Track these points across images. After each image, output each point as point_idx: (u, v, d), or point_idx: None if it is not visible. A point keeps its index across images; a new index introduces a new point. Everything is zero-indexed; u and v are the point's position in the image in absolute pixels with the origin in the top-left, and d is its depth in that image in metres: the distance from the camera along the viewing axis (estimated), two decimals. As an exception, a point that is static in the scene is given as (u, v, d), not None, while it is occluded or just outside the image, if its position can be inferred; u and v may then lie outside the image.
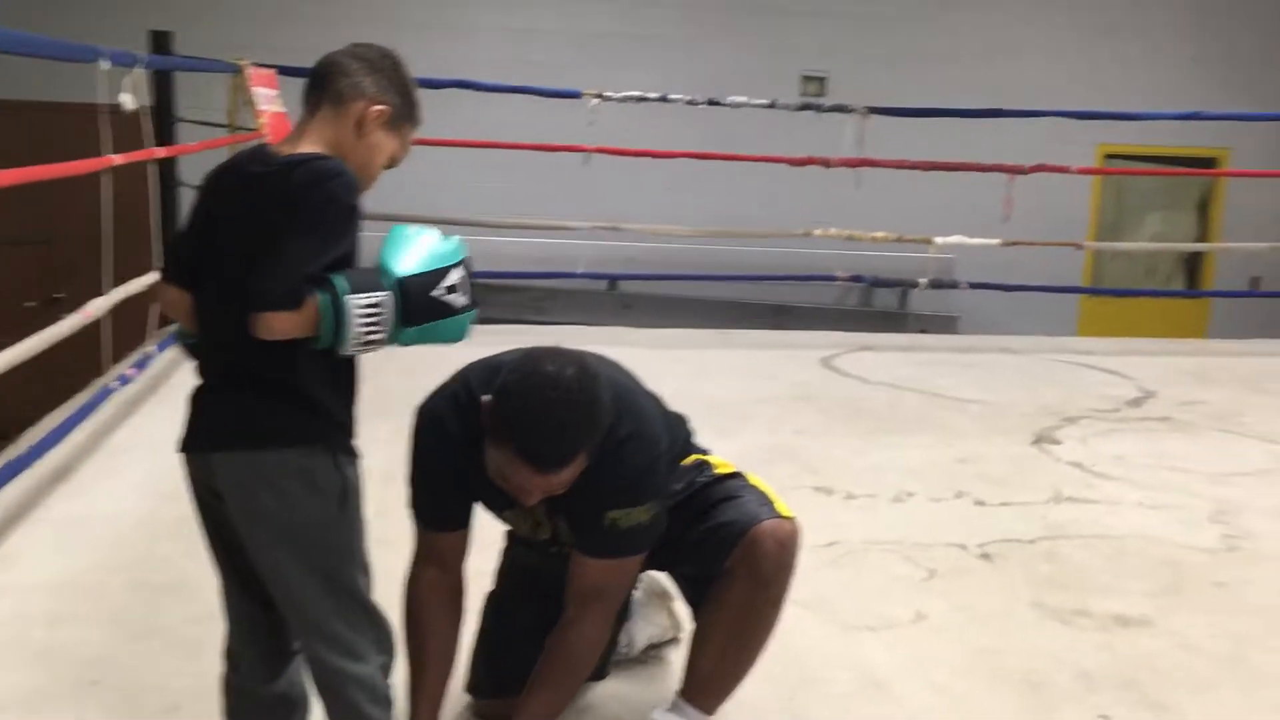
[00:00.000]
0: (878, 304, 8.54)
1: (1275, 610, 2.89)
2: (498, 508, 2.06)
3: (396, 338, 1.59)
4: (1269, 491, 3.80)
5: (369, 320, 1.54)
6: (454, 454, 1.93)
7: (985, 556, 3.16)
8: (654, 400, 2.07)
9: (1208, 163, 8.95)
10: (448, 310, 1.60)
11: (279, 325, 1.51)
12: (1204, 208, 9.39)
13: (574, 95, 6.01)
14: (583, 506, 1.92)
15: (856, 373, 5.41)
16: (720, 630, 2.03)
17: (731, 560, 2.00)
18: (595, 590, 1.95)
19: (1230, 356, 6.17)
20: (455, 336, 1.63)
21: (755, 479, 2.13)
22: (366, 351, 1.60)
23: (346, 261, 1.58)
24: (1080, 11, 8.87)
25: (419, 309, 1.57)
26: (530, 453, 1.77)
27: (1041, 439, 4.35)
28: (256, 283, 1.51)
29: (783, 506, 2.06)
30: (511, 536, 2.25)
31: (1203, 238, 9.24)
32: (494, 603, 2.26)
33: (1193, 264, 9.45)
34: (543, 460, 1.77)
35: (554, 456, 1.78)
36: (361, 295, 1.53)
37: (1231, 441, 4.44)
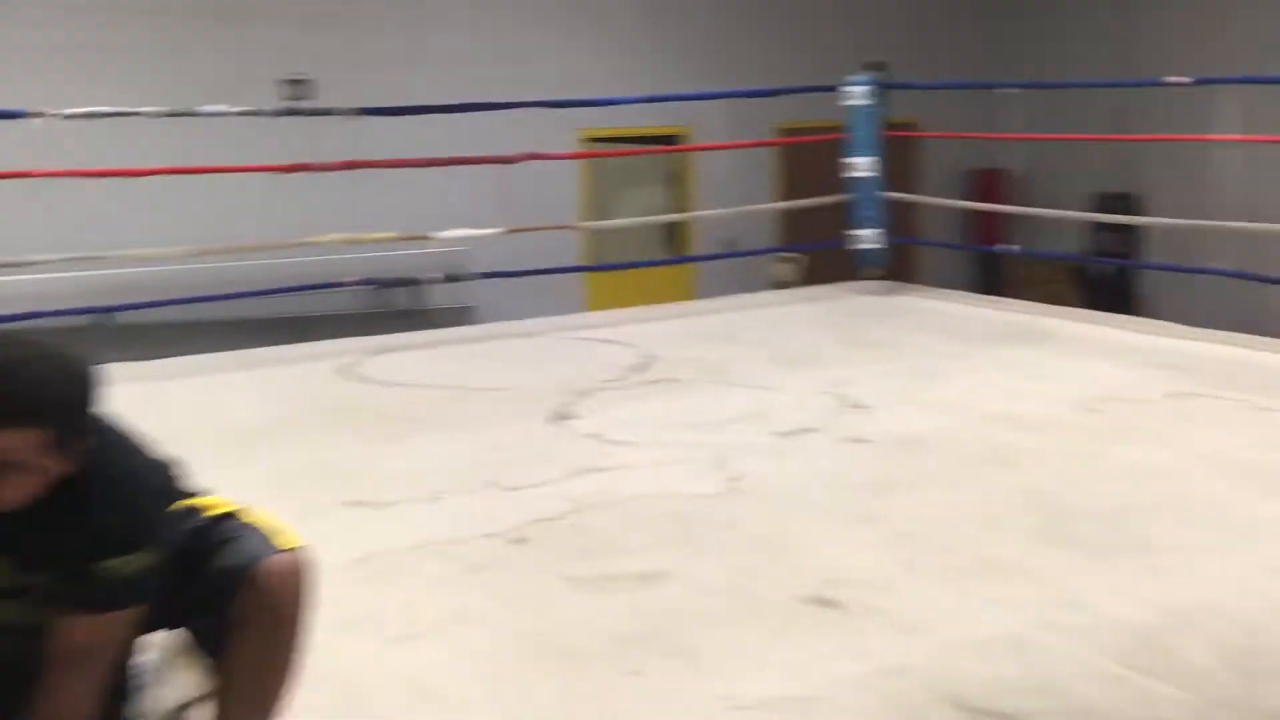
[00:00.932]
0: (394, 304, 8.52)
1: (768, 540, 3.23)
2: None
3: None
4: (756, 432, 4.23)
5: None
6: None
7: (518, 541, 3.25)
8: (142, 443, 1.92)
9: (674, 140, 9.81)
10: None
11: None
12: (676, 180, 10.30)
13: (16, 115, 5.39)
14: (71, 554, 1.75)
15: (378, 377, 5.36)
16: (241, 680, 1.92)
17: (240, 604, 1.89)
18: (84, 650, 1.78)
19: (716, 314, 6.81)
20: None
21: (255, 513, 2.04)
22: None
23: None
24: (547, 9, 9.34)
25: None
26: None
27: (559, 416, 4.55)
28: None
29: (287, 538, 1.98)
30: None
31: (680, 208, 10.14)
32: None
33: (674, 232, 10.35)
34: None
35: (16, 409, 1.60)
36: None
37: (724, 391, 4.89)
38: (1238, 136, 6.09)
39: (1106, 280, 9.84)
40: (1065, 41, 9.41)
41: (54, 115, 5.38)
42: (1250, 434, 4.06)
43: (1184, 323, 5.93)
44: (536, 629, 2.71)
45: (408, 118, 6.55)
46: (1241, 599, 2.75)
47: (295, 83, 8.34)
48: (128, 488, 1.78)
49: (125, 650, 1.92)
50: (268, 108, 6.40)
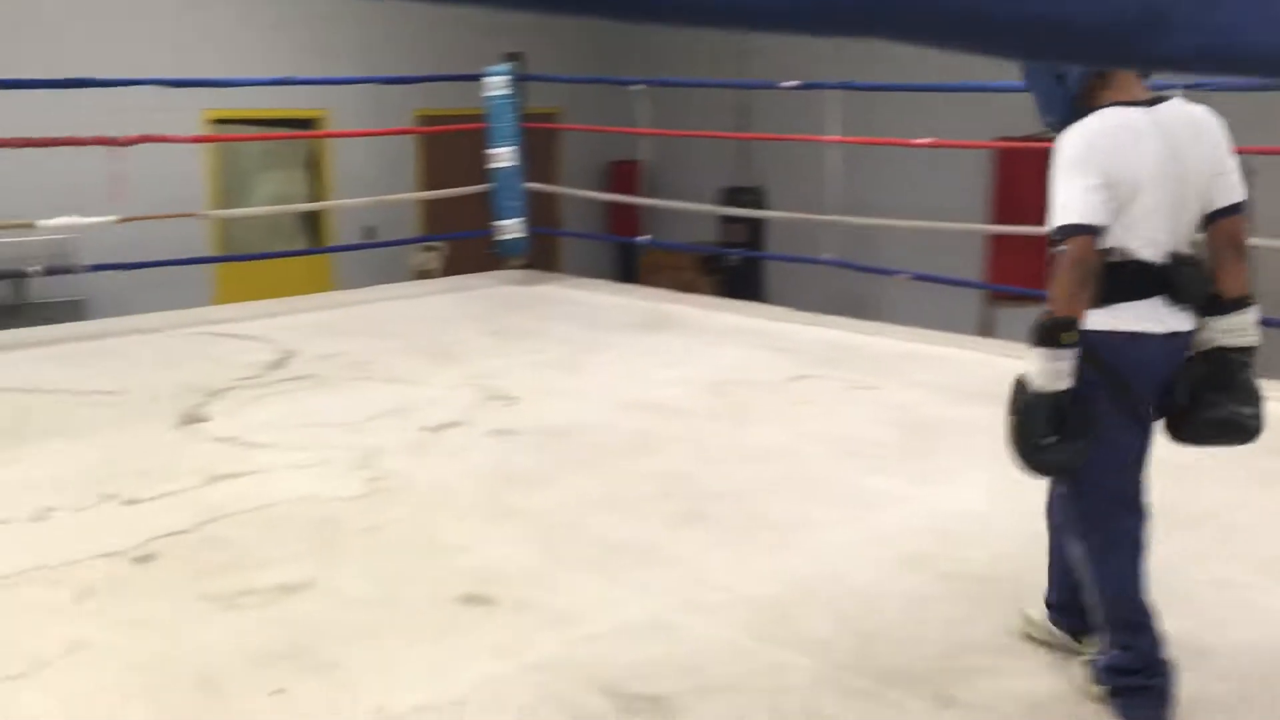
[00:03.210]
0: (-10, 298, 7.63)
1: (414, 542, 3.17)
2: None
3: None
4: (400, 429, 4.14)
5: None
6: None
7: (143, 559, 3.01)
8: None
9: (309, 124, 9.42)
10: None
11: None
12: (313, 166, 9.90)
13: None
14: None
15: (-30, 382, 4.77)
16: None
17: None
18: None
19: (357, 305, 6.61)
20: None
21: None
22: None
23: None
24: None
25: None
26: None
27: (189, 419, 4.25)
28: None
29: None
30: None
31: (317, 195, 9.75)
32: None
33: (312, 221, 9.95)
34: None
35: None
36: None
37: (367, 387, 4.75)
38: (840, 138, 6.66)
39: (734, 269, 10.48)
40: (696, 42, 9.90)
41: None
42: (856, 412, 4.44)
43: (800, 309, 6.40)
44: (165, 655, 2.51)
45: (10, 92, 5.88)
46: (855, 567, 3.00)
47: None
48: None
49: None
50: None
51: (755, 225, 10.29)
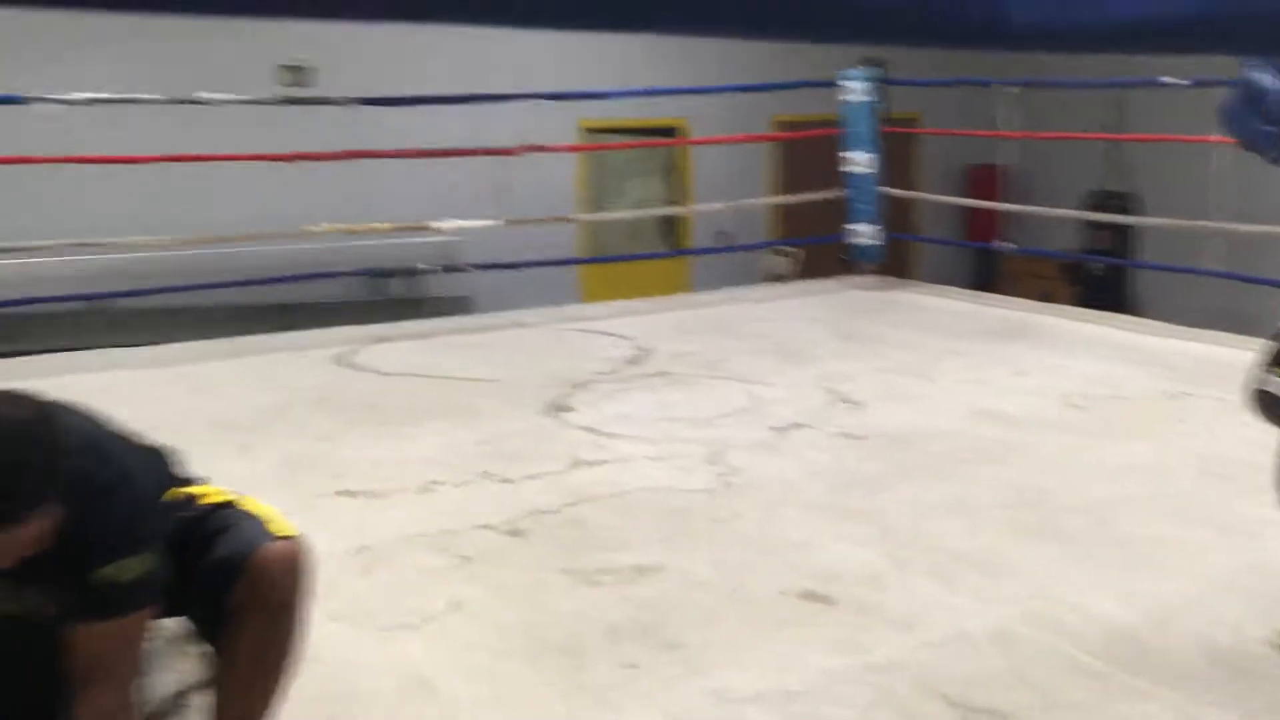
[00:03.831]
0: (391, 293, 8.52)
1: (759, 535, 3.26)
2: None
3: None
4: (749, 427, 4.26)
5: None
6: None
7: (514, 533, 3.29)
8: (131, 441, 1.93)
9: (672, 132, 9.82)
10: None
11: None
12: (673, 172, 10.31)
13: (18, 101, 5.40)
14: (70, 569, 1.75)
15: (373, 366, 5.38)
16: (240, 668, 1.95)
17: (238, 593, 1.92)
18: (99, 661, 1.78)
19: (710, 307, 6.83)
20: None
21: (250, 502, 2.06)
22: None
23: None
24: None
25: None
26: None
27: (555, 408, 4.58)
28: None
29: (282, 526, 2.01)
30: None
31: (675, 199, 10.15)
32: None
33: (671, 225, 10.37)
34: None
35: (7, 509, 1.60)
36: None
37: (717, 386, 4.92)
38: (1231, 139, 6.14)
39: (1099, 278, 9.89)
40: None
41: (55, 101, 5.39)
42: (1232, 433, 4.09)
43: (1175, 322, 5.97)
44: (533, 621, 2.74)
45: (412, 108, 6.56)
46: (1223, 597, 2.79)
47: (293, 69, 8.34)
48: (116, 495, 1.77)
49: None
50: (268, 94, 6.41)
51: (1123, 232, 9.66)
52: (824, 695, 2.39)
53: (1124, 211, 9.40)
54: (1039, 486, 3.57)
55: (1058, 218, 7.83)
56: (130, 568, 1.77)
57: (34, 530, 1.63)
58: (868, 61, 7.06)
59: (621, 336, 5.92)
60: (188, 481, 2.07)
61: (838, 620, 2.72)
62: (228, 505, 2.03)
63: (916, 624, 2.69)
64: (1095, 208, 9.16)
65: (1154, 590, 2.85)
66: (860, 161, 6.98)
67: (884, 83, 7.03)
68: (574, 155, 9.33)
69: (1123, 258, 9.60)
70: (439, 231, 6.53)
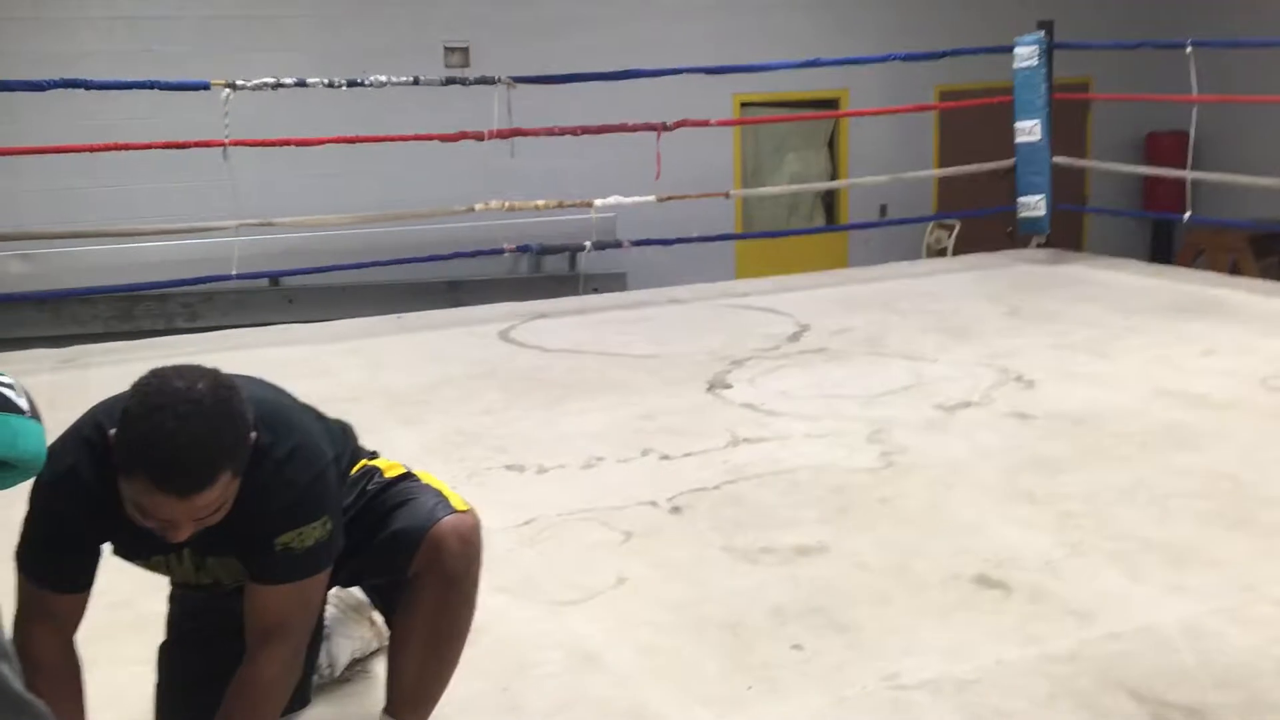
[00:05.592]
0: (549, 269, 8.64)
1: (927, 517, 3.17)
2: (144, 555, 1.91)
3: None
4: (914, 405, 4.15)
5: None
6: (85, 506, 1.77)
7: (676, 510, 3.28)
8: (311, 412, 1.99)
9: (831, 104, 9.63)
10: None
11: None
12: (832, 145, 10.11)
13: (202, 87, 5.64)
14: (252, 535, 1.81)
15: (535, 342, 5.45)
16: (416, 637, 1.99)
17: (416, 564, 1.96)
18: (278, 622, 1.84)
19: (870, 282, 6.69)
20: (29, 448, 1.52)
21: (427, 476, 2.10)
22: None
23: None
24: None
25: None
26: (166, 477, 1.63)
27: (714, 385, 4.55)
28: None
29: (458, 500, 2.04)
30: (174, 582, 2.10)
31: (834, 173, 9.96)
32: (168, 654, 2.11)
33: (829, 198, 10.18)
34: (182, 483, 1.64)
35: (195, 478, 1.64)
36: None
37: (879, 363, 4.81)
38: None
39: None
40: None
41: (236, 87, 5.61)
42: None
43: (1379, 297, 5.55)
44: (696, 597, 2.73)
45: (575, 85, 6.59)
46: None
47: (454, 50, 8.50)
48: (296, 463, 1.82)
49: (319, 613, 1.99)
50: (432, 75, 6.53)
51: (1323, 201, 9.02)
52: (999, 685, 2.31)
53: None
54: (1233, 474, 3.36)
55: (1245, 185, 7.34)
56: (309, 534, 1.82)
57: (217, 498, 1.69)
58: (1040, 25, 6.76)
59: (780, 312, 5.85)
60: (367, 454, 2.12)
61: (1013, 608, 2.62)
62: (406, 477, 2.08)
63: (1099, 615, 2.56)
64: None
65: (1363, 585, 2.65)
66: (1030, 130, 6.71)
67: (1054, 47, 6.72)
68: (730, 130, 9.24)
69: (1318, 228, 8.99)
70: (596, 208, 6.56)
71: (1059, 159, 6.81)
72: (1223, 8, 9.57)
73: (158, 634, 2.16)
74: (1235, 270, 8.36)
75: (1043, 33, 6.72)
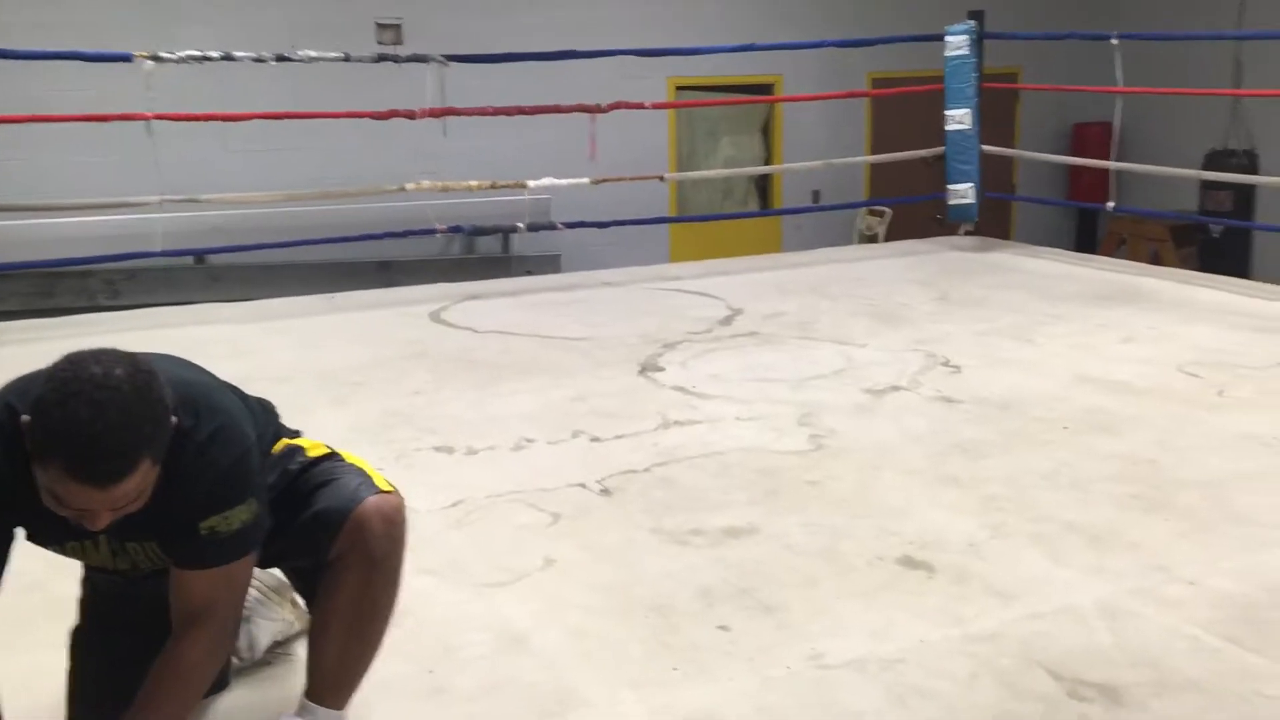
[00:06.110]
0: (481, 250, 8.58)
1: (855, 499, 3.20)
2: (59, 540, 1.86)
3: None
4: (843, 389, 4.19)
5: None
6: None
7: (605, 492, 3.27)
8: (233, 391, 1.94)
9: (765, 89, 9.66)
10: None
11: None
12: (766, 130, 10.15)
13: (125, 58, 5.48)
14: (175, 520, 1.77)
15: (466, 324, 5.41)
16: (338, 620, 1.96)
17: (339, 545, 1.93)
18: (204, 606, 1.81)
19: (802, 267, 6.73)
20: None
21: (350, 456, 2.07)
22: None
23: None
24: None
25: None
26: (82, 467, 1.57)
27: (646, 367, 4.55)
28: None
29: (382, 480, 2.01)
30: (88, 565, 2.05)
31: (768, 158, 10.00)
32: (81, 639, 2.06)
33: (763, 184, 10.22)
34: (99, 473, 1.58)
35: (112, 467, 1.59)
36: None
37: (810, 347, 4.84)
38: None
39: (1214, 241, 9.48)
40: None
41: (160, 59, 5.47)
42: (1362, 405, 3.91)
43: (1295, 286, 5.71)
44: (624, 580, 2.73)
45: (505, 65, 6.53)
46: (1350, 577, 2.66)
47: (386, 27, 8.37)
48: (218, 445, 1.78)
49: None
50: (364, 52, 6.43)
51: (1244, 193, 9.26)
52: (923, 664, 2.34)
53: (1247, 171, 8.99)
54: (1149, 458, 3.44)
55: (1167, 177, 7.50)
56: (234, 517, 1.79)
57: (136, 486, 1.64)
58: (970, 15, 6.83)
59: (712, 296, 5.87)
60: (289, 433, 2.08)
61: (937, 588, 2.66)
62: (330, 457, 2.04)
63: (1020, 595, 2.61)
64: (1214, 167, 8.75)
65: (1273, 565, 2.73)
66: (960, 119, 6.79)
67: (984, 37, 6.80)
68: (665, 114, 9.23)
69: (1242, 220, 9.21)
70: (530, 190, 6.52)
71: (988, 148, 6.90)
72: (1151, 1, 9.76)
73: (70, 617, 2.11)
74: (1156, 260, 8.55)
75: (973, 22, 6.79)
